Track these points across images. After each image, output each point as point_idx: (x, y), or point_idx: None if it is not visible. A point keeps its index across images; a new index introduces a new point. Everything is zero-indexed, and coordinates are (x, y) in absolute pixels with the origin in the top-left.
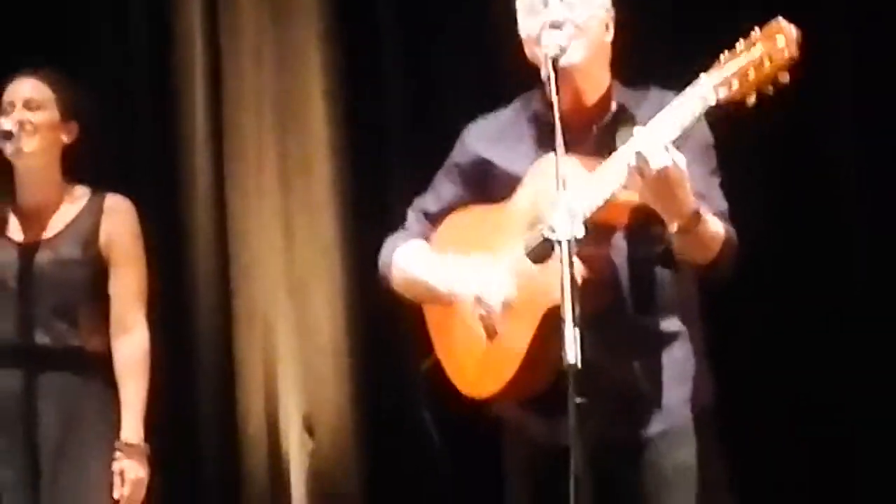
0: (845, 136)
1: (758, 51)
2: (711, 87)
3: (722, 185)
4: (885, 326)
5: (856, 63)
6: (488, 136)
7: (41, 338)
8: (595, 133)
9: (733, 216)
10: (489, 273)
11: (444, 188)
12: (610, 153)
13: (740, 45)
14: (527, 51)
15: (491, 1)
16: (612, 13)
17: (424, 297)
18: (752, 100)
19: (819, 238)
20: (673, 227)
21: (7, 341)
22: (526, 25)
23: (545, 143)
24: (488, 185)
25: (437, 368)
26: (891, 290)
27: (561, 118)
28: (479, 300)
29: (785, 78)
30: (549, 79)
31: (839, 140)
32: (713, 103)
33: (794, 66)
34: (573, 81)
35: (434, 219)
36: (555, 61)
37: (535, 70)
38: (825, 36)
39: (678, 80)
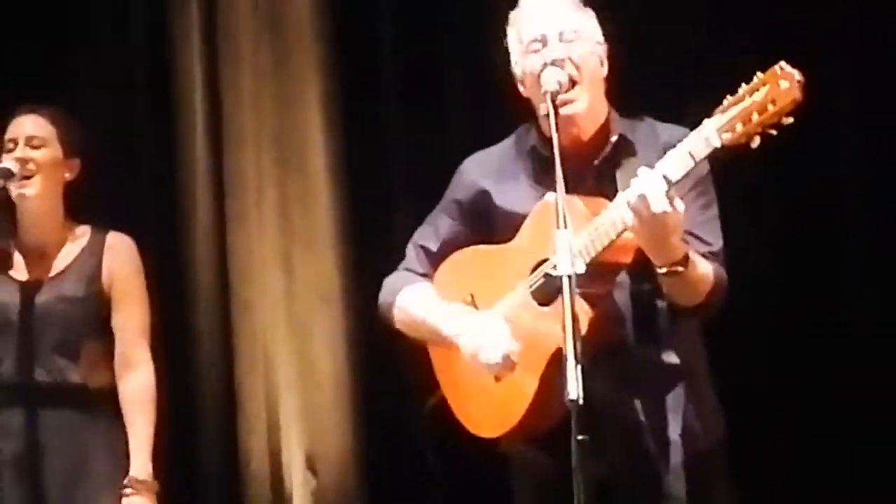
0: (844, 162)
1: (761, 95)
2: (715, 130)
3: (718, 217)
4: (889, 355)
5: (857, 98)
6: (486, 170)
7: (45, 376)
8: (596, 167)
9: (732, 245)
10: (492, 332)
11: (442, 224)
12: (612, 186)
13: (743, 88)
14: (521, 87)
15: (492, 34)
16: (605, 47)
17: (429, 339)
18: (755, 142)
19: (824, 269)
20: (661, 270)
21: (11, 380)
22: (523, 63)
23: (543, 179)
24: (487, 219)
25: (443, 405)
26: (893, 320)
27: (560, 153)
28: (474, 357)
29: (789, 120)
30: (548, 115)
31: (841, 173)
32: (717, 146)
33: (798, 109)
34: (575, 122)
35: (434, 255)
36: (554, 99)
37: (529, 104)
38: (824, 70)
39: (671, 111)
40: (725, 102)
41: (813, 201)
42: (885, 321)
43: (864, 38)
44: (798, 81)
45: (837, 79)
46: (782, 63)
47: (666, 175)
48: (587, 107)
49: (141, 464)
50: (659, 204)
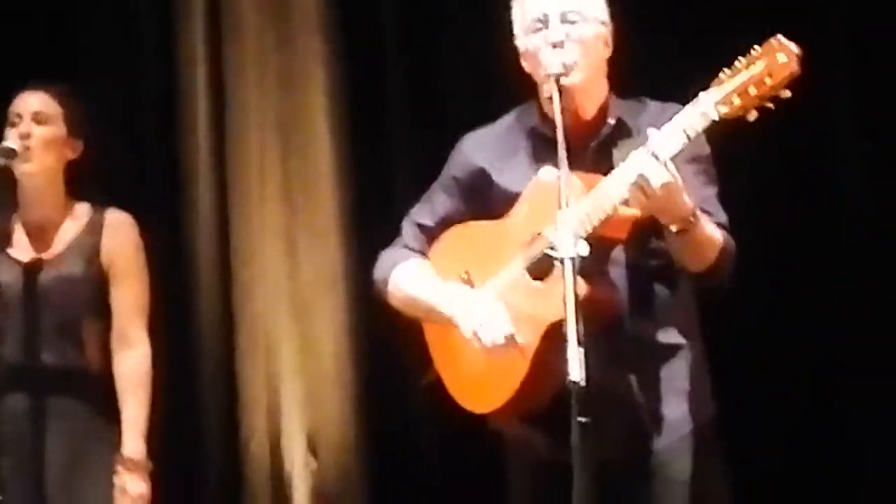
0: (844, 144)
1: (758, 67)
2: (712, 103)
3: (718, 196)
4: (887, 338)
5: (854, 73)
6: (485, 147)
7: (46, 357)
8: (593, 148)
9: (731, 228)
10: (490, 312)
11: (439, 200)
12: (608, 167)
13: (740, 62)
14: (524, 63)
15: (494, 21)
16: (610, 28)
17: (424, 316)
18: (752, 115)
19: (819, 249)
20: (673, 228)
21: (13, 361)
22: (525, 41)
23: (542, 158)
24: (484, 197)
25: (438, 383)
26: (892, 302)
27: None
28: (475, 336)
29: (786, 94)
30: (551, 98)
31: (838, 149)
32: (715, 119)
33: (795, 82)
34: (573, 99)
35: (430, 231)
36: (558, 80)
37: (532, 81)
38: (822, 47)
39: (672, 92)
40: (722, 76)
41: (809, 181)
42: (884, 304)
43: (858, 13)
44: (795, 55)
45: (833, 54)
46: (779, 36)
47: (659, 153)
48: (584, 79)
49: (133, 443)
50: (659, 177)
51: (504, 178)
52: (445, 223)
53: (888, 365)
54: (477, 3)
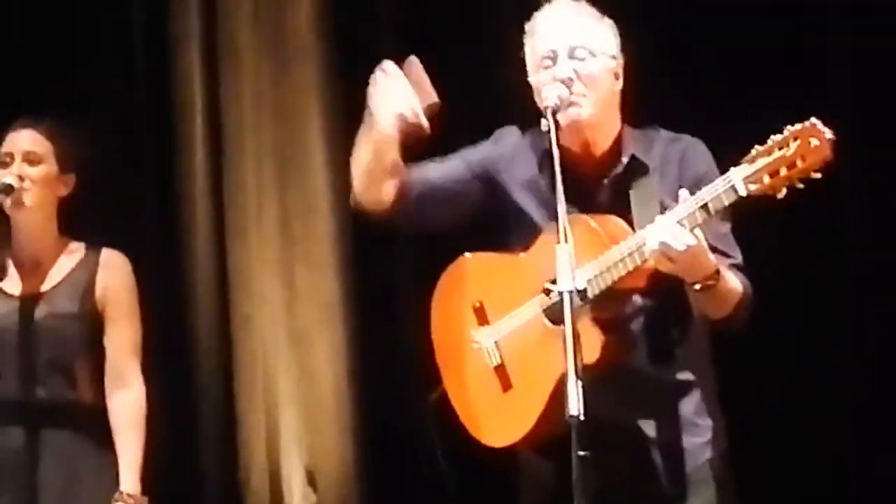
0: (854, 188)
1: (791, 149)
2: (742, 180)
3: (732, 231)
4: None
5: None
6: (506, 160)
7: (39, 392)
8: (607, 185)
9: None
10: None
11: (452, 164)
12: (624, 205)
13: (773, 140)
14: (537, 100)
15: (494, 50)
16: (620, 61)
17: (375, 157)
18: (782, 193)
19: (828, 284)
20: (696, 287)
21: (4, 396)
22: (536, 78)
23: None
24: (499, 203)
25: (445, 400)
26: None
27: (572, 168)
28: (385, 109)
29: (818, 176)
30: (549, 131)
31: (848, 191)
32: (744, 195)
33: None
34: (582, 134)
35: (431, 182)
36: (554, 113)
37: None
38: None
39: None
40: (753, 152)
41: (818, 216)
42: (891, 337)
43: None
44: (829, 140)
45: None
46: (814, 120)
47: (684, 222)
48: (592, 115)
49: (130, 479)
50: (682, 241)
51: (520, 196)
52: (449, 184)
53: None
54: (476, 31)
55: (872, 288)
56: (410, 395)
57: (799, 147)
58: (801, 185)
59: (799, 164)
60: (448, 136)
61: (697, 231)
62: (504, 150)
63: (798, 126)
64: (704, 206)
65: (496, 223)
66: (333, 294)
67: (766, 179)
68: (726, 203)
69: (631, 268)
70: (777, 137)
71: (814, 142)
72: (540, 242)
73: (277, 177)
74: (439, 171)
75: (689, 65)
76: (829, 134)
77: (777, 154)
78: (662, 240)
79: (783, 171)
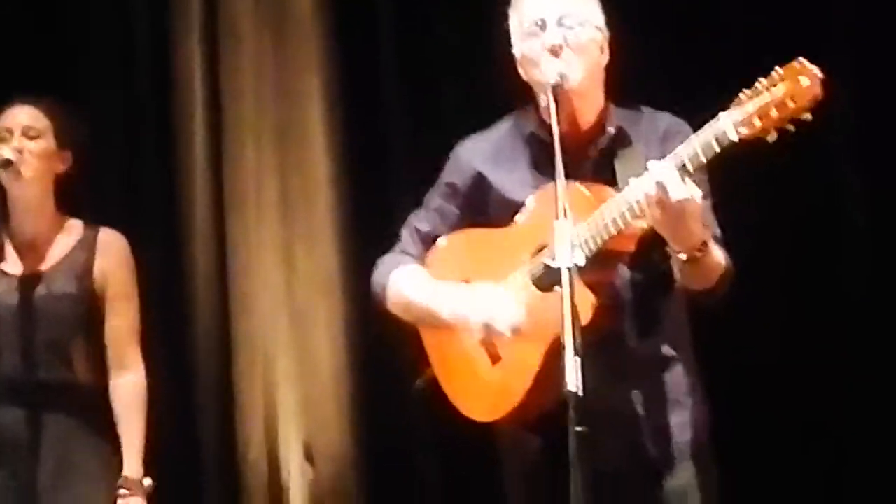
0: (841, 155)
1: (780, 90)
2: (732, 124)
3: (714, 208)
4: (881, 348)
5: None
6: (483, 153)
7: (37, 373)
8: (593, 156)
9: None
10: (498, 300)
11: (437, 207)
12: (610, 176)
13: (761, 83)
14: (521, 70)
15: (490, 27)
16: (606, 35)
17: (423, 321)
18: (772, 136)
19: (814, 256)
20: (682, 256)
21: (4, 376)
22: (522, 47)
23: (542, 166)
24: (483, 203)
25: (434, 385)
26: (887, 312)
27: (559, 140)
28: (488, 327)
29: (808, 116)
30: (549, 107)
31: (835, 161)
32: (735, 139)
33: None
34: (570, 104)
35: (428, 238)
36: (555, 89)
37: (528, 86)
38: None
39: (671, 102)
40: (742, 96)
41: (802, 187)
42: (879, 314)
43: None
44: (819, 78)
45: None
46: (801, 59)
47: (680, 165)
48: (581, 83)
49: (133, 464)
50: (678, 192)
51: (503, 184)
52: (443, 229)
53: (884, 373)
54: (474, 12)
55: (857, 263)
56: (409, 374)
57: (788, 87)
58: (792, 128)
59: (790, 104)
60: (447, 120)
61: (694, 190)
62: (476, 152)
63: (785, 66)
64: (694, 152)
65: (481, 211)
66: (333, 273)
67: (757, 122)
68: (717, 150)
69: (622, 225)
70: (764, 80)
71: (803, 80)
72: (525, 211)
73: (277, 157)
74: (441, 230)
75: (671, 35)
76: (817, 71)
77: (766, 95)
78: (658, 180)
79: (774, 113)
